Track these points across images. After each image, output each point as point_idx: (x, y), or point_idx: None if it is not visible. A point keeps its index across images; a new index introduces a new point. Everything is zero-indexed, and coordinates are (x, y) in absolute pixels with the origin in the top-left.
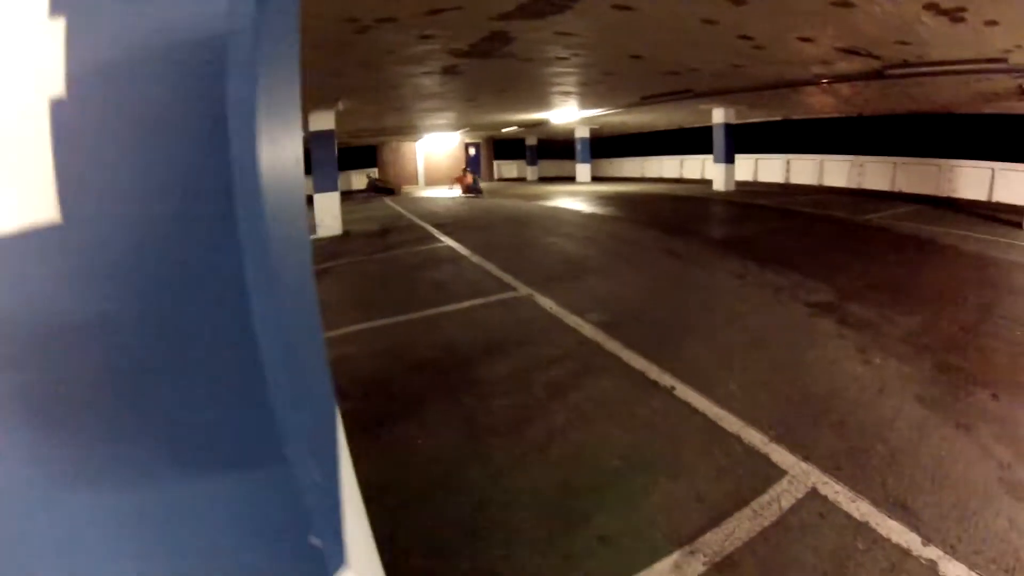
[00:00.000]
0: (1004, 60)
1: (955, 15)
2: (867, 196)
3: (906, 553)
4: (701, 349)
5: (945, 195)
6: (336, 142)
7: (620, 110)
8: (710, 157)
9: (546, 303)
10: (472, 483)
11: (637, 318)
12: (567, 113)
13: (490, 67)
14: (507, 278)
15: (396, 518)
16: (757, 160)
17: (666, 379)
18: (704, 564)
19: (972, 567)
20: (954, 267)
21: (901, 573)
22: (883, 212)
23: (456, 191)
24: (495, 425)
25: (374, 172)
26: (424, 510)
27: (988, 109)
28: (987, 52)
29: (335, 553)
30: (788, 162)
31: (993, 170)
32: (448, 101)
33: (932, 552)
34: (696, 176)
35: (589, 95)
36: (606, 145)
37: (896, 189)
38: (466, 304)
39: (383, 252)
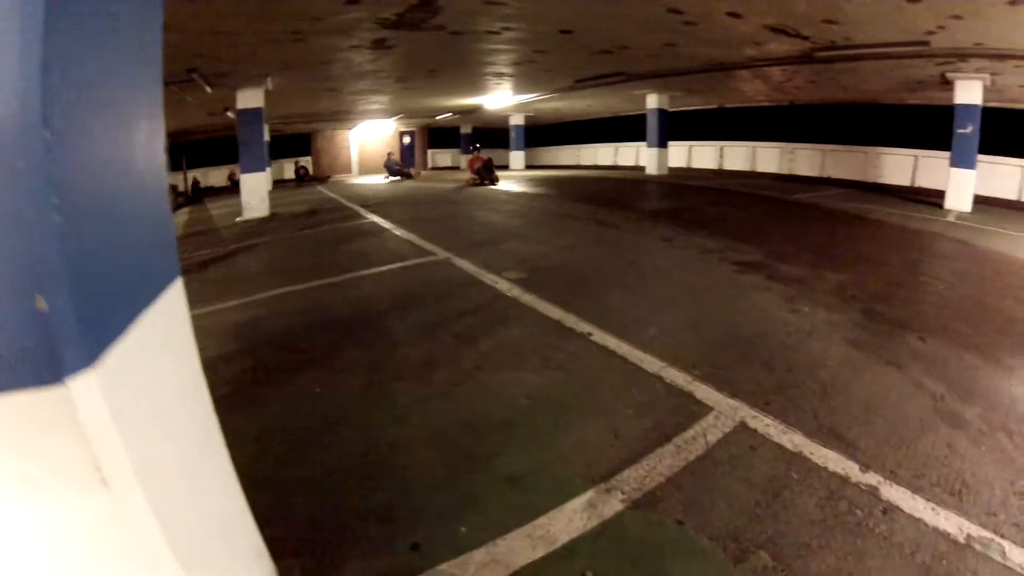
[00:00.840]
0: (927, 43)
1: None
2: (798, 180)
3: (844, 480)
4: (624, 300)
5: (872, 180)
6: (264, 121)
7: (554, 95)
8: (644, 144)
9: (464, 264)
10: (371, 425)
11: (557, 275)
12: (501, 98)
13: (420, 42)
14: (428, 246)
15: (286, 461)
16: (691, 147)
17: (583, 326)
18: (622, 501)
19: (916, 491)
20: (879, 236)
21: (840, 500)
22: (812, 193)
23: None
24: (401, 372)
25: (305, 160)
26: (315, 453)
27: (912, 100)
28: (910, 34)
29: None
30: (721, 149)
31: (916, 157)
32: (380, 82)
33: (872, 478)
34: (630, 163)
35: (523, 78)
36: (541, 133)
37: (825, 175)
38: (384, 268)
39: (310, 229)
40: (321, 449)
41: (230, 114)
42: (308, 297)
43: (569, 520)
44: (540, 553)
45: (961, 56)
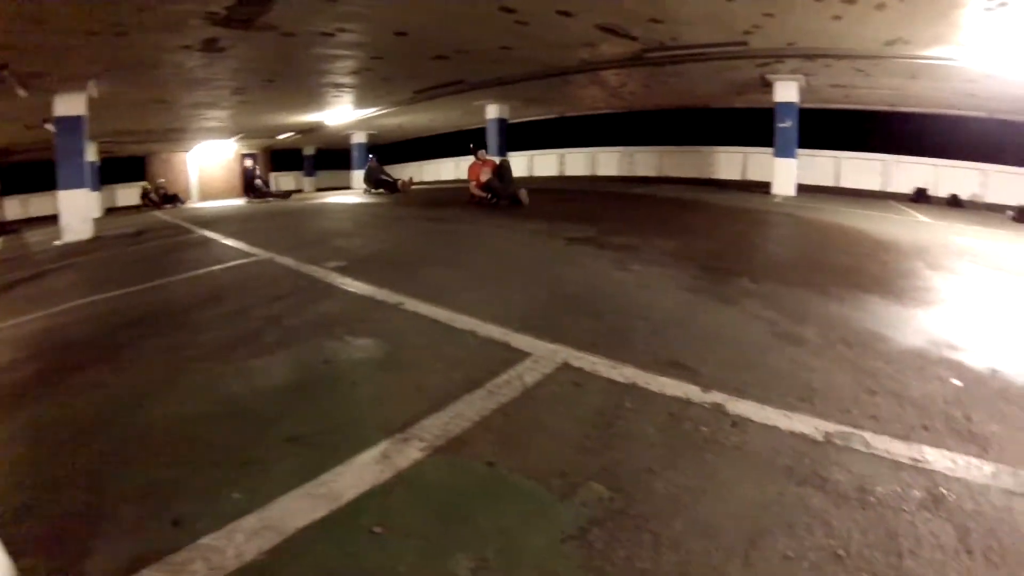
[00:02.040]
0: (746, 43)
1: None
2: (637, 180)
3: (686, 403)
4: (444, 275)
5: (707, 176)
6: (86, 133)
7: (395, 109)
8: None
9: (285, 260)
10: (155, 407)
11: (377, 261)
12: (342, 113)
13: (254, 45)
14: (254, 250)
15: (55, 453)
16: (532, 156)
17: (395, 299)
18: (422, 450)
19: (764, 402)
20: (711, 215)
21: (684, 421)
22: (650, 187)
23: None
24: (202, 355)
25: (162, 181)
26: (88, 443)
27: (739, 103)
28: (730, 34)
29: None
30: (562, 156)
31: (745, 154)
32: (215, 93)
33: (716, 397)
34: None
35: (362, 89)
36: (383, 152)
37: (664, 174)
38: (202, 271)
39: (135, 246)
40: (96, 437)
41: (49, 126)
42: (118, 302)
43: (358, 474)
44: (321, 513)
45: (777, 57)
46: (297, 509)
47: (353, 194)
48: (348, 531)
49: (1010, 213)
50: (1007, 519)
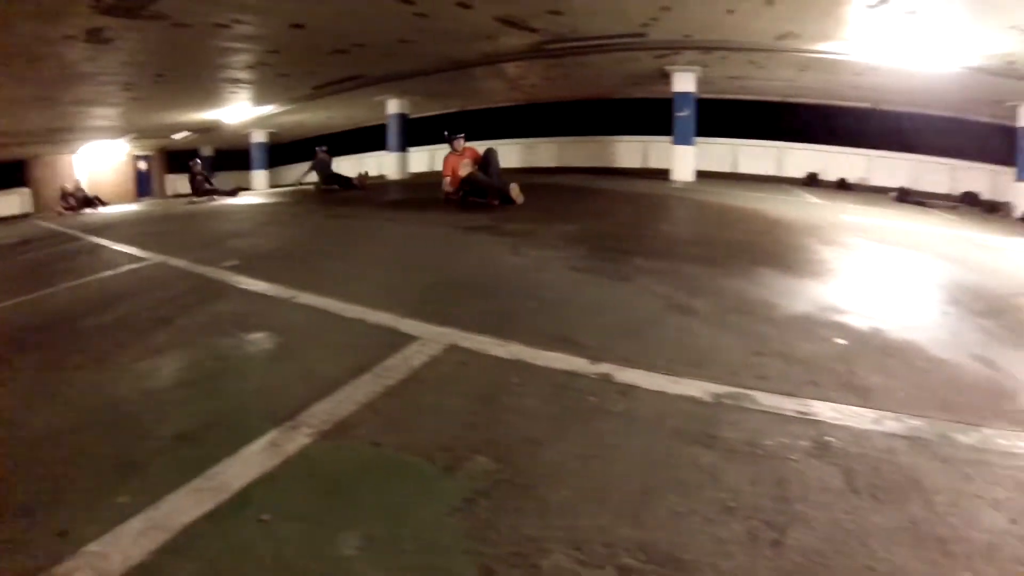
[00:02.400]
0: (644, 35)
1: None
2: (537, 171)
3: (573, 375)
4: (335, 269)
5: (607, 165)
6: None
7: (295, 105)
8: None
9: (179, 263)
10: (31, 422)
11: (272, 258)
12: (240, 111)
13: (144, 36)
14: (146, 254)
15: None
16: (433, 151)
17: (287, 293)
18: (309, 436)
19: (651, 370)
20: (609, 199)
21: (571, 392)
22: (549, 177)
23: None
24: (84, 362)
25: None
26: None
27: (639, 94)
28: (628, 26)
29: None
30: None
31: (645, 143)
32: (103, 89)
33: (604, 367)
34: (374, 172)
35: (260, 85)
36: (285, 152)
37: (564, 164)
38: (91, 278)
39: (18, 256)
40: None
41: None
42: None
43: (246, 465)
44: (209, 506)
45: (674, 49)
46: (184, 506)
47: (256, 195)
48: (235, 522)
49: (893, 194)
50: (889, 459)
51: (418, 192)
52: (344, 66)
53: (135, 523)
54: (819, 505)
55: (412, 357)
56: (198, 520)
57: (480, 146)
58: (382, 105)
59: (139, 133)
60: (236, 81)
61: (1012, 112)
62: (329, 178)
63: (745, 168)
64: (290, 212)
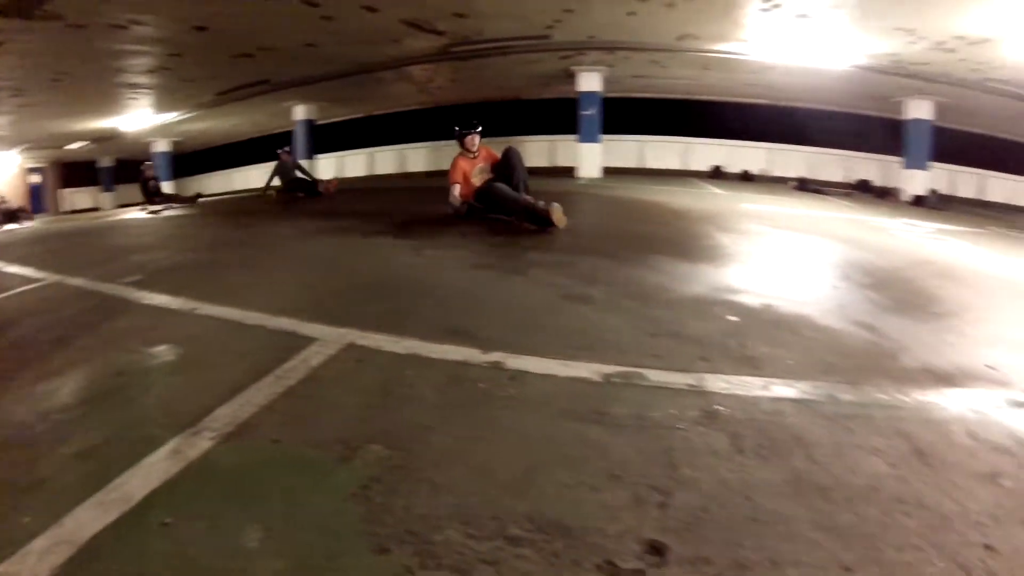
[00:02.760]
0: (548, 37)
1: None
2: (444, 174)
3: (465, 364)
4: (237, 279)
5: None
6: None
7: (198, 112)
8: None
9: (77, 281)
10: None
11: (174, 272)
12: (142, 118)
13: (37, 38)
14: (41, 274)
15: None
16: (342, 157)
17: (189, 305)
18: (211, 439)
19: (542, 356)
20: None
21: (462, 381)
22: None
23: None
24: None
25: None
26: None
27: (547, 94)
28: (533, 28)
29: None
30: (372, 155)
31: (553, 142)
32: None
33: (495, 356)
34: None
35: (162, 91)
36: (190, 161)
37: None
38: None
39: None
40: None
41: None
42: None
43: (149, 473)
44: (113, 517)
45: (579, 50)
46: (89, 519)
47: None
48: (139, 528)
49: (792, 184)
50: (776, 421)
51: (397, 200)
52: (249, 70)
53: (40, 541)
54: (705, 467)
55: (311, 358)
56: (102, 531)
57: (388, 152)
58: (289, 111)
59: (31, 144)
60: (136, 86)
61: (898, 107)
62: (292, 184)
63: (652, 163)
64: (189, 225)
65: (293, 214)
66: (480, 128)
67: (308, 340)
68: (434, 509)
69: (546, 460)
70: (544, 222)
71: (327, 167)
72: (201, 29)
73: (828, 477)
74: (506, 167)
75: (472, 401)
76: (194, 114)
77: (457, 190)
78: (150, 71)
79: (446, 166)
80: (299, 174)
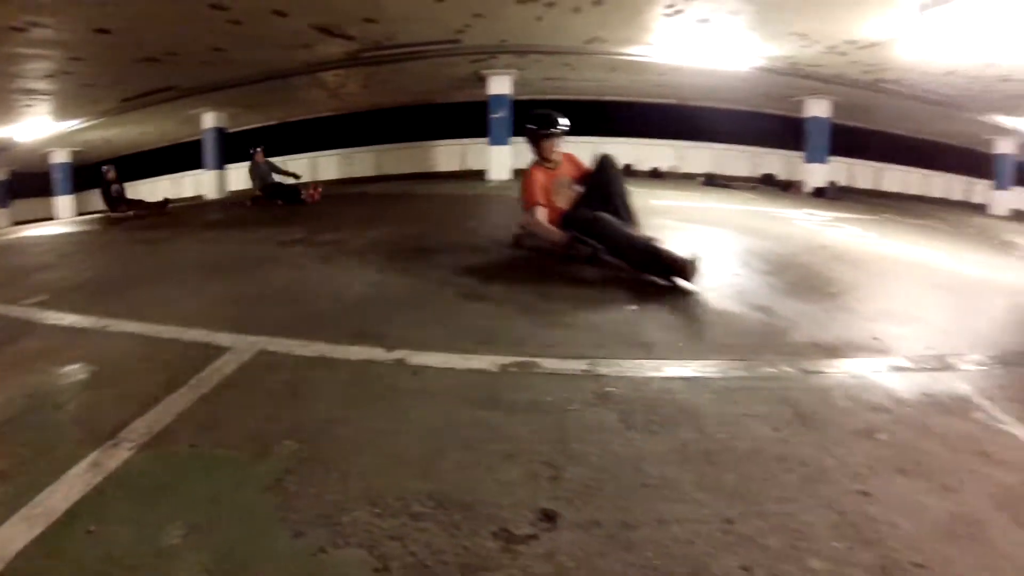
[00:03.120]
0: (459, 41)
1: None
2: (357, 180)
3: (370, 362)
4: (149, 294)
5: (427, 171)
6: None
7: (101, 119)
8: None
9: None
10: None
11: (82, 290)
12: (39, 127)
13: None
14: None
15: None
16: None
17: (101, 323)
18: (130, 449)
19: (443, 351)
20: (421, 204)
21: (366, 377)
22: (368, 186)
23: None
24: None
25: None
26: None
27: (459, 97)
28: (444, 32)
29: None
30: (284, 163)
31: (464, 146)
32: None
33: (399, 353)
34: (191, 192)
35: (62, 97)
36: (93, 173)
37: (383, 172)
38: None
39: None
40: None
41: None
42: None
43: (70, 487)
44: (38, 530)
45: (490, 53)
46: (15, 534)
47: (62, 224)
48: (66, 538)
49: (701, 179)
50: (665, 398)
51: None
52: (155, 76)
53: None
54: (595, 443)
55: (224, 366)
56: (29, 545)
57: (302, 161)
58: (197, 119)
59: None
60: (33, 92)
61: (799, 105)
62: (269, 189)
63: None
64: (94, 241)
65: (193, 231)
66: (567, 126)
67: (222, 349)
68: (344, 494)
69: (446, 444)
70: (675, 272)
71: (237, 177)
72: (103, 32)
73: (713, 444)
74: (600, 181)
75: (378, 395)
76: (97, 122)
77: (543, 215)
78: (49, 76)
79: (360, 172)
80: (277, 177)
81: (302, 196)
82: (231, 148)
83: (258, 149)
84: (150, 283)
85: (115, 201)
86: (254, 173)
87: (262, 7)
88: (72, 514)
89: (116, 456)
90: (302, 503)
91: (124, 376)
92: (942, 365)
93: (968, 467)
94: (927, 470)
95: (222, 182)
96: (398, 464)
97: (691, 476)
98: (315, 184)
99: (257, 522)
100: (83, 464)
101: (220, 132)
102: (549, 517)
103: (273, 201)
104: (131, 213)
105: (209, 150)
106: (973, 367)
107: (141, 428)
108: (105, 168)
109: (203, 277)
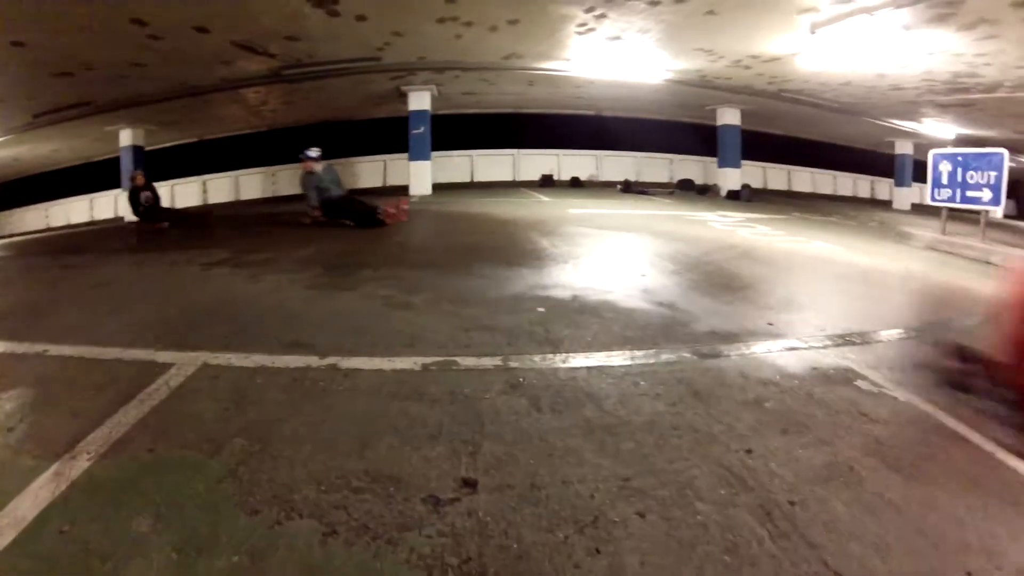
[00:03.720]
0: (379, 59)
1: (331, 8)
2: (281, 199)
3: (306, 369)
4: (83, 317)
5: (350, 188)
6: None
7: (10, 136)
8: (120, 190)
9: None
10: None
11: (15, 315)
12: None
13: None
14: None
15: None
16: (173, 185)
17: (36, 348)
18: (89, 459)
19: (371, 355)
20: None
21: (304, 381)
22: (291, 205)
23: None
24: None
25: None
26: None
27: (380, 113)
28: (364, 50)
29: None
30: (204, 183)
31: (385, 162)
32: None
33: (331, 360)
34: (109, 214)
35: None
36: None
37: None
38: None
39: None
40: None
41: None
42: None
43: (36, 496)
44: (12, 536)
45: (410, 70)
46: None
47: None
48: (39, 540)
49: (619, 187)
50: (571, 384)
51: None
52: (71, 91)
53: None
54: (508, 424)
55: (170, 380)
56: (6, 549)
57: (222, 180)
58: (114, 135)
59: None
60: None
61: (712, 114)
62: (331, 207)
63: (483, 177)
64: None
65: (111, 255)
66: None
67: (166, 366)
68: (292, 477)
69: (378, 431)
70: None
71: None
72: (18, 44)
73: (613, 419)
74: None
75: (314, 396)
76: (6, 138)
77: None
78: None
79: (282, 191)
80: (331, 190)
81: (378, 215)
82: (149, 166)
83: (313, 152)
84: (81, 307)
85: (146, 210)
86: (307, 186)
87: (183, 23)
88: (43, 519)
89: (77, 466)
90: (256, 488)
91: (71, 396)
92: (831, 343)
93: (846, 425)
94: (807, 429)
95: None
96: (337, 450)
97: (592, 446)
98: (400, 202)
99: (217, 507)
100: (45, 476)
101: (138, 150)
102: (469, 484)
103: (337, 221)
104: (166, 225)
105: (126, 168)
106: (859, 343)
107: (98, 440)
108: (134, 175)
109: (134, 300)
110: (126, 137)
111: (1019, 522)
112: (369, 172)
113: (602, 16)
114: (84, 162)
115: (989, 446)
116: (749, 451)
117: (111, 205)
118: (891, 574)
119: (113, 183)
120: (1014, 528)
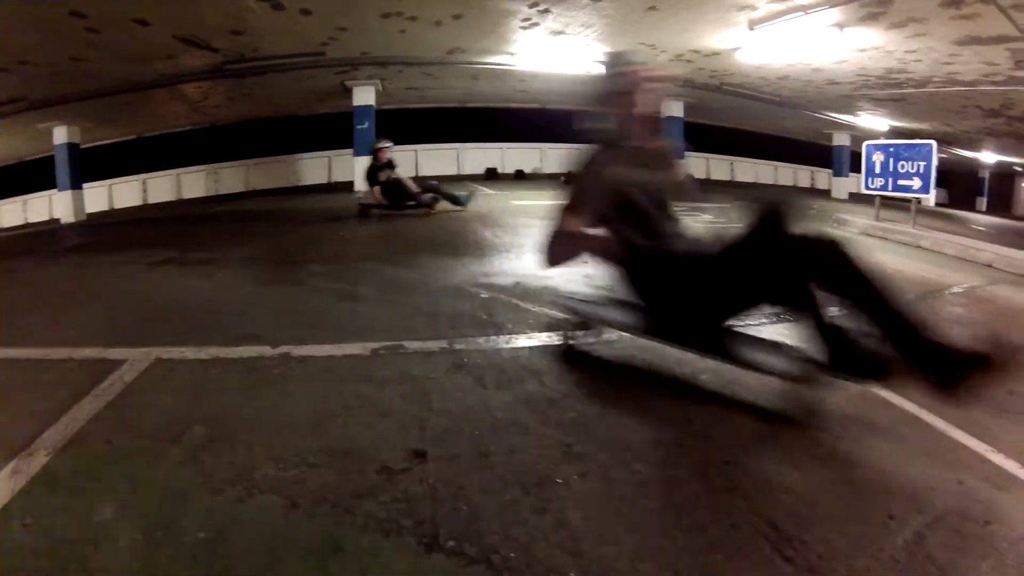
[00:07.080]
0: (323, 54)
1: (275, 1)
2: (223, 198)
3: (259, 358)
4: (28, 320)
5: (294, 184)
6: None
7: None
8: (57, 191)
9: None
10: None
11: None
12: None
13: None
14: None
15: None
16: (111, 185)
17: None
18: (47, 454)
19: (321, 343)
20: (289, 219)
21: (258, 370)
22: (235, 203)
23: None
24: None
25: None
26: None
27: (323, 109)
28: (308, 45)
29: None
30: (145, 182)
31: (330, 158)
32: None
33: (283, 349)
34: (44, 216)
35: None
36: None
37: (251, 188)
38: None
39: None
40: None
41: None
42: None
43: None
44: None
45: (354, 65)
46: None
47: None
48: (3, 533)
49: (563, 178)
50: (514, 363)
51: None
52: (5, 87)
53: None
54: (454, 400)
55: (124, 375)
56: None
57: (163, 179)
58: (48, 133)
59: None
60: None
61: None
62: (393, 191)
63: (427, 171)
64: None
65: (53, 259)
66: None
67: (119, 362)
68: (251, 459)
69: (331, 412)
70: None
71: (99, 198)
72: None
73: (555, 393)
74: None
75: (269, 383)
76: None
77: None
78: None
79: (225, 189)
80: (393, 174)
81: (425, 202)
82: (86, 165)
83: (385, 142)
84: (24, 308)
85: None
86: (372, 172)
87: (123, 16)
88: (4, 514)
89: (35, 462)
90: (217, 470)
91: (23, 396)
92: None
93: None
94: None
95: (80, 204)
96: (293, 431)
97: (536, 417)
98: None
99: (180, 490)
100: (2, 475)
101: (73, 148)
102: (419, 455)
103: (404, 207)
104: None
105: (63, 170)
106: None
107: (54, 436)
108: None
109: (79, 300)
110: (60, 135)
111: None
112: (314, 169)
113: (546, 11)
114: (16, 161)
115: None
116: (688, 420)
117: (46, 206)
118: None
119: (48, 184)
120: None
